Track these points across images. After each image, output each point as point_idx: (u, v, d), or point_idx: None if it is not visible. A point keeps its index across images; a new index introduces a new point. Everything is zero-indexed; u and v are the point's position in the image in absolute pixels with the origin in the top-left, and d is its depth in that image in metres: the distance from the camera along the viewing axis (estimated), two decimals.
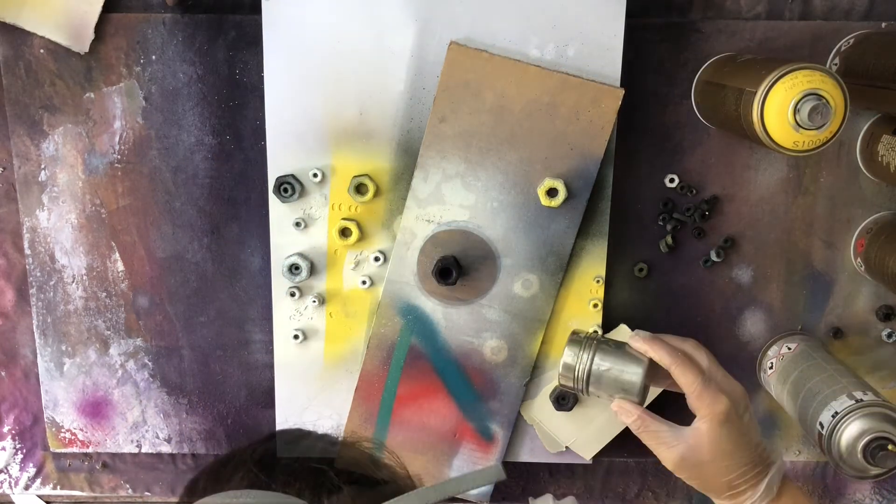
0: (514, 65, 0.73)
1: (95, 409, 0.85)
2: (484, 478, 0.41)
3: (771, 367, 0.80)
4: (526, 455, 0.84)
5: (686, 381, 0.64)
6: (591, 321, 0.80)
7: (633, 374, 0.67)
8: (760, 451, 0.64)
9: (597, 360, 0.68)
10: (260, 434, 0.85)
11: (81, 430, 0.86)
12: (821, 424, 0.70)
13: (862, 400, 0.69)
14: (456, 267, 0.76)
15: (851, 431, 0.68)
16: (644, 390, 0.67)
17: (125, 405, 0.85)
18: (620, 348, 0.68)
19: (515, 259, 0.77)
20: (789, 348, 0.79)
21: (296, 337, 0.81)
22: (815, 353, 0.77)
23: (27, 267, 0.81)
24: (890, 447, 0.66)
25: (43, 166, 0.79)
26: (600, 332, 0.79)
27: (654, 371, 0.67)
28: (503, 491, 0.87)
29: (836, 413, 0.69)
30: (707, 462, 0.63)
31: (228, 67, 0.77)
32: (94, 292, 0.82)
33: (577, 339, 0.70)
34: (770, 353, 0.81)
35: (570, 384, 0.69)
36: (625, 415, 0.67)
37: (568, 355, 0.69)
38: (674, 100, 0.77)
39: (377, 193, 0.77)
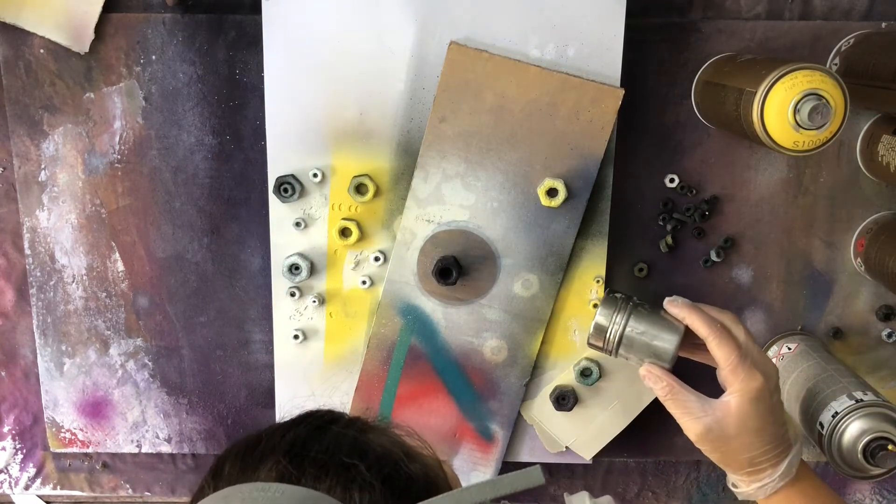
0: (514, 65, 0.73)
1: (95, 409, 0.85)
2: (523, 481, 0.39)
3: None
4: (526, 455, 0.84)
5: (722, 355, 0.63)
6: (591, 321, 0.80)
7: (668, 341, 0.65)
8: (784, 431, 0.64)
9: (632, 323, 0.66)
10: None
11: (81, 430, 0.86)
12: (821, 424, 0.70)
13: (862, 400, 0.69)
14: (456, 267, 0.76)
15: (851, 431, 0.68)
16: (675, 358, 0.66)
17: (125, 405, 0.85)
18: (656, 313, 0.67)
19: (515, 259, 0.77)
20: (789, 348, 0.79)
21: (296, 337, 0.81)
22: (815, 352, 0.77)
23: (27, 267, 0.81)
24: (890, 447, 0.66)
25: (43, 166, 0.79)
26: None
27: (686, 339, 0.66)
28: None
29: (836, 413, 0.69)
30: (732, 437, 0.63)
31: (228, 67, 0.77)
32: (94, 292, 0.82)
33: (612, 298, 0.68)
34: (770, 353, 0.81)
35: (600, 345, 0.68)
36: (653, 380, 0.65)
37: (601, 316, 0.67)
38: (674, 100, 0.77)
39: (377, 193, 0.77)
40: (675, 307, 0.66)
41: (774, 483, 0.63)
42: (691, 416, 0.64)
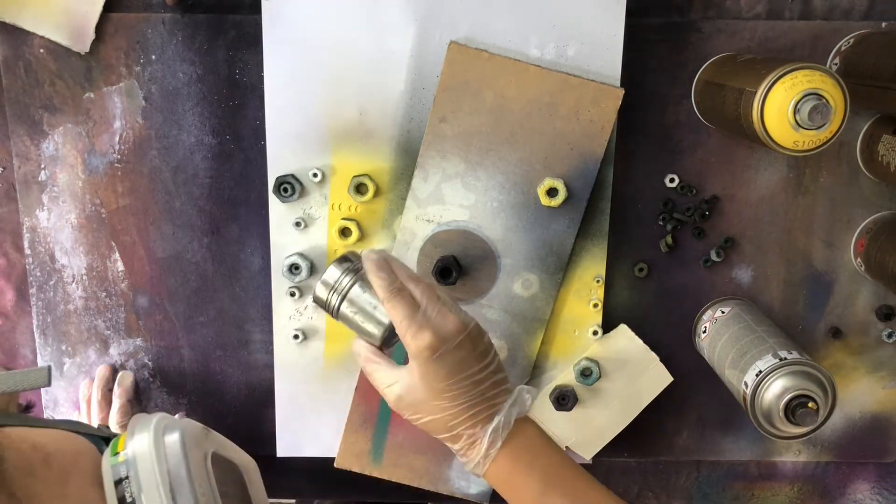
0: (514, 65, 0.73)
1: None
2: (28, 380, 0.44)
3: (704, 332, 0.79)
4: None
5: (394, 317, 0.59)
6: (591, 321, 0.80)
7: (375, 327, 0.63)
8: (489, 392, 0.60)
9: (345, 305, 0.63)
10: (260, 434, 0.85)
11: None
12: (745, 384, 0.69)
13: (786, 358, 0.67)
14: (456, 267, 0.76)
15: (774, 390, 0.66)
16: (387, 337, 0.63)
17: None
18: (373, 292, 0.63)
19: (515, 259, 0.77)
20: (723, 312, 0.79)
21: (296, 337, 0.81)
22: (747, 315, 0.77)
23: (27, 267, 0.81)
24: (810, 405, 0.65)
25: (43, 166, 0.79)
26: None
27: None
28: None
29: (760, 371, 0.68)
30: (422, 401, 0.59)
31: (228, 67, 0.77)
32: (94, 292, 0.82)
33: (342, 260, 0.65)
34: (704, 317, 0.81)
35: (323, 305, 0.65)
36: (356, 355, 0.63)
37: (329, 274, 0.63)
38: (674, 100, 0.77)
39: (377, 193, 0.77)
40: (368, 263, 0.62)
41: (486, 450, 0.59)
42: (384, 385, 0.61)
